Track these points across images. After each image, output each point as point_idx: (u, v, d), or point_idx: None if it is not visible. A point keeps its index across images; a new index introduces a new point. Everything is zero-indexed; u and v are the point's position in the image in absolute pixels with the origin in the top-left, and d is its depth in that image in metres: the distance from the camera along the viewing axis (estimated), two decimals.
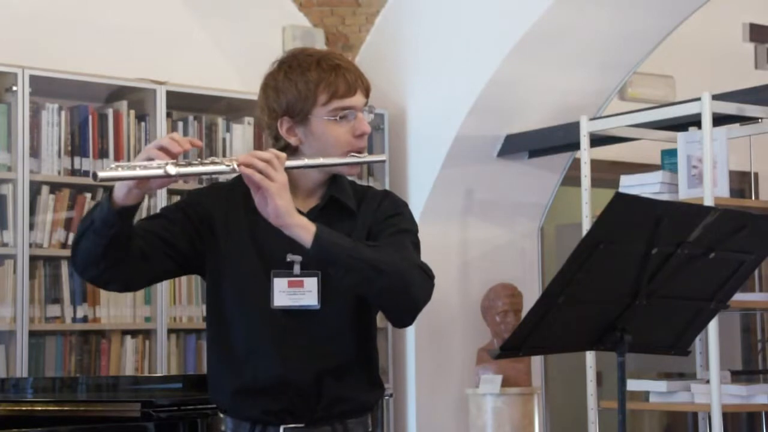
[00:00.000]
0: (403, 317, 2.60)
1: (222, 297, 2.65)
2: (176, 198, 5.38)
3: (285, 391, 2.59)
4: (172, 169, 2.40)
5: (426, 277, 2.56)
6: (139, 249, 2.55)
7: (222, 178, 2.64)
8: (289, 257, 2.58)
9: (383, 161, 2.79)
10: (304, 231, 2.46)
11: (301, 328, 2.60)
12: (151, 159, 2.41)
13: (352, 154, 2.61)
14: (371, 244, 2.54)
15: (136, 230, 2.57)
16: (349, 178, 2.72)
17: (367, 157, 2.66)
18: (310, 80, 2.59)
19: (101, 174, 2.38)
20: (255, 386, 2.61)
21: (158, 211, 2.71)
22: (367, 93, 2.66)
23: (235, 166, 2.45)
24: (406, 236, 2.62)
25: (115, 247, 2.48)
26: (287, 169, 2.51)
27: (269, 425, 2.61)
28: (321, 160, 2.58)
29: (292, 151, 2.63)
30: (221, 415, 2.69)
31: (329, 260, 2.48)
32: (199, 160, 2.46)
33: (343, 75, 2.60)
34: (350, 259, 2.46)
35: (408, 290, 2.51)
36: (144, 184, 2.43)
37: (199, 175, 2.47)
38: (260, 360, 2.60)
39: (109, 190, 2.47)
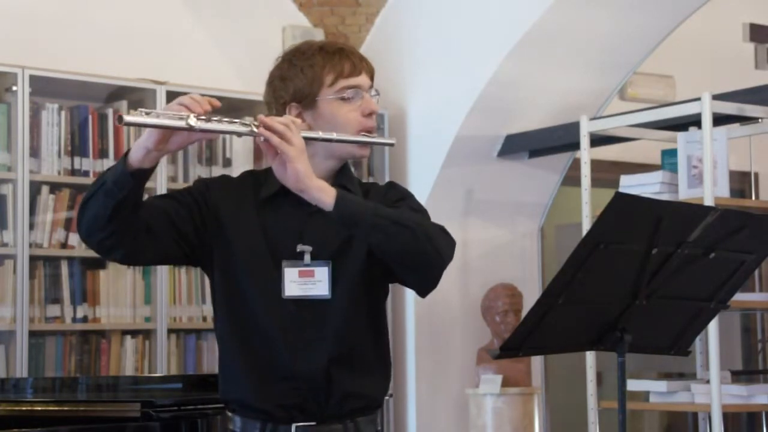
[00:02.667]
0: (427, 277, 2.56)
1: (232, 289, 2.64)
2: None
3: (296, 380, 2.58)
4: (194, 121, 2.42)
5: (447, 235, 2.58)
6: (146, 222, 2.54)
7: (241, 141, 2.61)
8: (300, 247, 2.59)
9: (392, 144, 2.80)
10: (325, 194, 2.46)
11: (312, 318, 2.59)
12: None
13: (363, 133, 2.64)
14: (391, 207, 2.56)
15: (146, 204, 2.56)
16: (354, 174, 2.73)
17: (377, 138, 2.68)
18: (315, 64, 2.63)
19: (127, 117, 2.38)
20: (267, 377, 2.59)
21: (167, 192, 2.70)
22: (371, 75, 2.69)
23: (254, 128, 2.49)
24: (417, 213, 2.64)
25: (124, 211, 2.46)
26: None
27: (281, 423, 2.59)
28: (334, 135, 2.58)
29: None
30: (230, 414, 2.66)
31: (352, 220, 2.47)
32: (219, 117, 2.47)
33: (347, 56, 2.65)
34: (374, 217, 2.46)
35: (432, 243, 2.50)
36: (163, 143, 2.44)
37: (219, 132, 2.49)
38: (271, 350, 2.59)
39: (124, 153, 2.46)
